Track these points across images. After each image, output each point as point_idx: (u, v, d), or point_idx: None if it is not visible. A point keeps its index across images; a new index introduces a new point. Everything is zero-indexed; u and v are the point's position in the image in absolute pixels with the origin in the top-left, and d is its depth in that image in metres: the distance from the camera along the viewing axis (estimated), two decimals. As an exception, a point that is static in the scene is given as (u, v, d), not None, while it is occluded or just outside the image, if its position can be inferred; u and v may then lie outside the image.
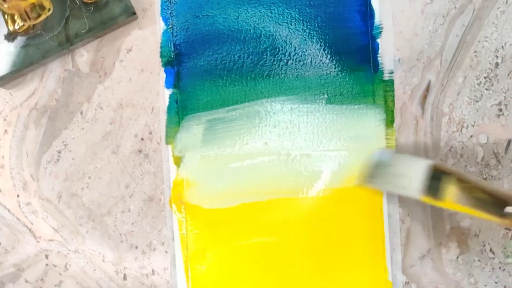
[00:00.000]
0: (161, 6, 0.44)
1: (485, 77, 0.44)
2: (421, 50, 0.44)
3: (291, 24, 0.44)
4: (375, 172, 0.42)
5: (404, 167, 0.41)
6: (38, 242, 0.46)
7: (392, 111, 0.44)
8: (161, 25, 0.44)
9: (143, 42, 0.45)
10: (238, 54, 0.44)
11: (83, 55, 0.45)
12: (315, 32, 0.44)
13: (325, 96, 0.44)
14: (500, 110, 0.44)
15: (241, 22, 0.44)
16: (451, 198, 0.39)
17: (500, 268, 0.45)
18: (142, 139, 0.45)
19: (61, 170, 0.45)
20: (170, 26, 0.44)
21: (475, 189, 0.38)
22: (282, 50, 0.44)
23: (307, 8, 0.44)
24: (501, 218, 0.37)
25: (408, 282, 0.45)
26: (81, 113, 0.45)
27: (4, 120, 0.45)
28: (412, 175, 0.39)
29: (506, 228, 0.44)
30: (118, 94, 0.45)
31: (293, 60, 0.44)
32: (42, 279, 0.46)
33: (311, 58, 0.44)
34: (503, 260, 0.45)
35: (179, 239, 0.44)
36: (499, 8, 0.44)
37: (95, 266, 0.46)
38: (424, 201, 0.39)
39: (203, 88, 0.44)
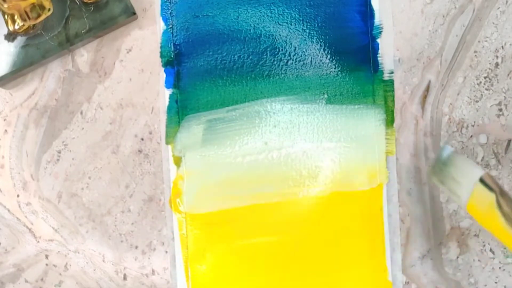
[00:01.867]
0: (161, 6, 0.44)
1: (485, 77, 0.44)
2: (421, 50, 0.44)
3: (291, 24, 0.44)
4: (437, 168, 0.40)
5: (459, 172, 0.38)
6: (38, 242, 0.46)
7: (392, 111, 0.44)
8: (161, 25, 0.44)
9: (143, 42, 0.45)
10: (238, 54, 0.44)
11: (83, 55, 0.45)
12: (315, 32, 0.44)
13: (325, 96, 0.44)
14: (500, 110, 0.44)
15: (241, 22, 0.44)
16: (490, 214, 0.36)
17: (500, 268, 0.45)
18: (142, 139, 0.45)
19: (61, 170, 0.45)
20: (170, 26, 0.44)
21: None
22: (282, 50, 0.44)
23: (307, 8, 0.44)
24: None
25: (408, 282, 0.45)
26: (81, 113, 0.45)
27: (4, 120, 0.45)
28: (464, 184, 0.37)
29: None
30: (118, 94, 0.45)
31: (293, 60, 0.44)
32: (42, 279, 0.46)
33: (311, 58, 0.44)
34: (503, 260, 0.45)
35: (179, 239, 0.44)
36: (499, 8, 0.44)
37: (95, 266, 0.46)
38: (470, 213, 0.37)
39: (203, 88, 0.44)
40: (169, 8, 0.44)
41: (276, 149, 0.44)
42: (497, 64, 0.44)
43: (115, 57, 0.45)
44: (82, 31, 0.43)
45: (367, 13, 0.44)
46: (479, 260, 0.45)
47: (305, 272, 0.44)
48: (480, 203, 0.37)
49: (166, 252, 0.45)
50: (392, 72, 0.44)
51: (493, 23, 0.44)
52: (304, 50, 0.44)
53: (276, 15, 0.44)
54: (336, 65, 0.44)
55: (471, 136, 0.44)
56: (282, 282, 0.44)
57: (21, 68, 0.43)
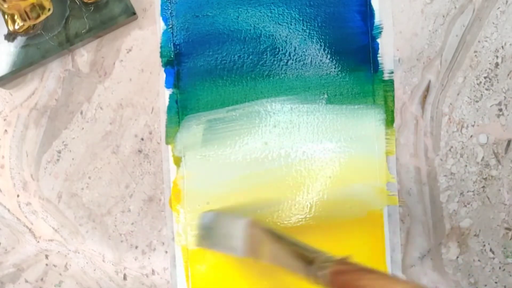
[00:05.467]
0: (161, 6, 0.44)
1: (485, 77, 0.44)
2: (421, 50, 0.44)
3: (291, 24, 0.44)
4: (204, 234, 0.43)
5: (226, 227, 0.41)
6: (38, 242, 0.46)
7: (392, 111, 0.44)
8: (161, 25, 0.44)
9: (143, 42, 0.45)
10: (238, 54, 0.44)
11: (83, 55, 0.45)
12: (315, 32, 0.44)
13: (325, 96, 0.44)
14: (500, 110, 0.44)
15: (241, 22, 0.44)
16: (266, 256, 0.38)
17: (500, 268, 0.45)
18: (142, 139, 0.45)
19: (61, 170, 0.45)
20: (170, 26, 0.44)
21: (287, 248, 0.37)
22: (282, 50, 0.44)
23: (307, 8, 0.44)
24: (310, 277, 0.35)
25: (408, 282, 0.45)
26: (81, 113, 0.45)
27: (4, 120, 0.45)
28: (236, 234, 0.40)
29: (506, 228, 0.45)
30: (118, 94, 0.45)
31: (293, 60, 0.44)
32: (42, 279, 0.46)
33: (311, 58, 0.44)
34: (503, 260, 0.45)
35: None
36: (499, 8, 0.44)
37: (95, 266, 0.46)
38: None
39: (203, 88, 0.44)
40: (169, 8, 0.44)
41: (276, 149, 0.44)
42: (497, 64, 0.44)
43: (115, 57, 0.45)
44: (82, 31, 0.43)
45: (367, 13, 0.44)
46: (479, 260, 0.45)
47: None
48: (256, 243, 0.39)
49: (166, 252, 0.45)
50: (392, 72, 0.44)
51: (493, 23, 0.44)
52: (304, 50, 0.44)
53: (276, 15, 0.44)
54: (336, 65, 0.44)
55: (471, 136, 0.44)
56: (282, 282, 0.44)
57: (21, 68, 0.43)
